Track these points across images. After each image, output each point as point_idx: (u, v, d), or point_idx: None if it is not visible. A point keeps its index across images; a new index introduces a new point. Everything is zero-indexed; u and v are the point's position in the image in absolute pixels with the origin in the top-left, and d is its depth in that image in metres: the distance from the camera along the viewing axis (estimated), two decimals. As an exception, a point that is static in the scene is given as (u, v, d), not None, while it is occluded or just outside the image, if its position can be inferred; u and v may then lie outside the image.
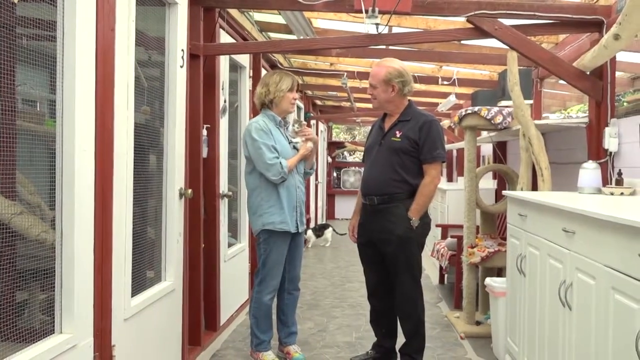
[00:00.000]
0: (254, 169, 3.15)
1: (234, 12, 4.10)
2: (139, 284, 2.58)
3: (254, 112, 4.34)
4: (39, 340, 1.83)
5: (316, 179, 9.76)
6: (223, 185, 3.98)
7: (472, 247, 4.09)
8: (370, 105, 5.90)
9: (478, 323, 4.04)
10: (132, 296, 2.46)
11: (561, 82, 4.58)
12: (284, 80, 3.20)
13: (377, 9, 3.27)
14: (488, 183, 5.86)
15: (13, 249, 1.89)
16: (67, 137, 1.94)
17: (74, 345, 1.94)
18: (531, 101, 4.24)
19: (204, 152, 3.59)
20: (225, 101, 4.00)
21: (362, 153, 3.41)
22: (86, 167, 2.03)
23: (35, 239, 2.04)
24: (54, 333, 1.91)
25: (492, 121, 4.03)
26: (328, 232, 8.24)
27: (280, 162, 3.07)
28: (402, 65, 3.10)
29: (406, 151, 3.00)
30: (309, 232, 8.03)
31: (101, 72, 2.11)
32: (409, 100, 3.14)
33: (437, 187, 3.35)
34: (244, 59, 4.54)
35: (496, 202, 5.25)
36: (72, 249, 1.94)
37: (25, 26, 1.87)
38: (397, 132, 3.04)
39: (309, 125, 8.03)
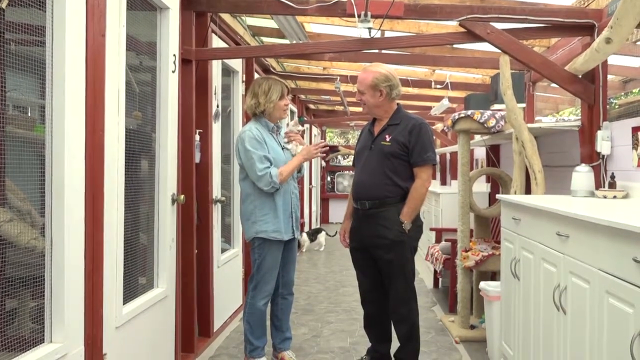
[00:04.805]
0: (248, 175, 3.14)
1: (226, 17, 4.08)
2: (131, 291, 2.56)
3: (247, 117, 4.33)
4: (28, 349, 1.80)
5: (310, 183, 9.74)
6: (216, 191, 3.96)
7: (466, 251, 4.09)
8: (363, 109, 5.89)
9: (473, 327, 4.03)
10: (124, 303, 2.43)
11: (553, 85, 4.59)
12: (273, 89, 3.17)
13: (369, 13, 3.28)
14: (481, 186, 5.87)
15: (2, 257, 1.86)
16: (57, 143, 1.92)
17: (64, 355, 1.91)
18: (524, 105, 4.26)
19: (197, 158, 3.57)
20: (217, 106, 3.99)
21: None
22: (76, 173, 2.00)
23: (25, 247, 2.01)
24: (43, 342, 1.88)
25: (485, 125, 4.04)
26: (321, 236, 8.23)
27: (270, 172, 3.04)
28: (389, 69, 3.10)
29: (396, 155, 2.99)
30: (304, 234, 8.02)
31: (91, 77, 2.09)
32: (397, 104, 3.14)
33: (430, 191, 3.35)
34: (237, 64, 4.53)
35: (490, 205, 5.26)
36: (62, 256, 1.92)
37: (14, 31, 1.85)
38: (387, 136, 3.03)
39: (302, 132, 8.06)
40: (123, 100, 2.42)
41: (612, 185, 3.06)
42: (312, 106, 9.83)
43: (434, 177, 9.26)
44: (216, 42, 3.94)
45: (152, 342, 2.77)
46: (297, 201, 3.30)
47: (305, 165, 3.43)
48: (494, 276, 4.23)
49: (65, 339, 1.92)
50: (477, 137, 4.97)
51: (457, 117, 4.14)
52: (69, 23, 1.93)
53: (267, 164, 3.06)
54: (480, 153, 6.38)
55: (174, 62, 3.04)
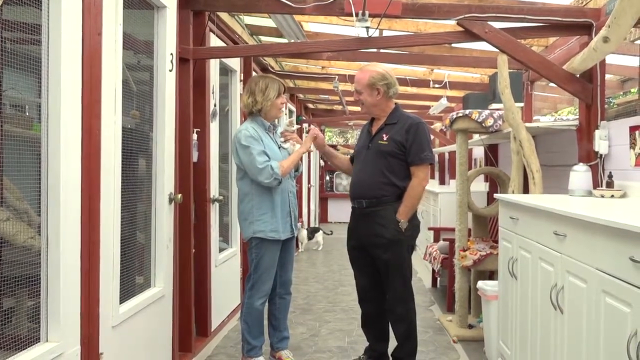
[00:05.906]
0: (245, 175, 3.12)
1: (224, 16, 4.08)
2: (127, 290, 2.55)
3: (245, 116, 4.33)
4: (24, 349, 1.80)
5: (309, 182, 9.74)
6: (214, 190, 3.95)
7: (464, 250, 4.09)
8: (361, 109, 5.88)
9: (470, 326, 4.03)
10: (120, 303, 2.43)
11: (552, 84, 4.59)
12: (270, 87, 3.16)
13: (367, 12, 3.27)
14: (480, 186, 5.87)
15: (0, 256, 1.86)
16: (53, 142, 1.91)
17: (61, 354, 1.91)
18: (522, 104, 4.26)
19: (194, 157, 3.57)
20: (215, 105, 3.98)
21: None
22: (72, 172, 2.00)
23: (22, 246, 2.00)
24: (39, 341, 1.88)
25: (483, 124, 4.03)
26: (319, 235, 8.23)
27: (270, 165, 3.03)
28: (385, 68, 3.11)
29: (394, 154, 3.00)
30: (304, 231, 8.01)
31: (87, 76, 2.09)
32: (395, 103, 3.15)
33: (428, 190, 3.35)
34: (235, 63, 4.52)
35: (488, 204, 5.25)
36: (58, 255, 1.91)
37: (10, 30, 1.84)
38: (384, 135, 3.04)
39: (301, 129, 8.06)
40: (120, 99, 2.41)
41: (610, 185, 3.05)
42: (310, 105, 9.82)
43: (432, 177, 9.29)
44: (214, 41, 3.93)
45: (149, 341, 2.76)
46: (295, 200, 3.30)
47: (304, 164, 3.43)
48: (491, 275, 4.23)
49: (62, 338, 1.92)
50: (476, 137, 4.97)
51: (455, 116, 4.14)
52: (64, 21, 1.92)
53: (267, 158, 3.05)
54: (479, 152, 6.38)
55: (172, 61, 3.03)
